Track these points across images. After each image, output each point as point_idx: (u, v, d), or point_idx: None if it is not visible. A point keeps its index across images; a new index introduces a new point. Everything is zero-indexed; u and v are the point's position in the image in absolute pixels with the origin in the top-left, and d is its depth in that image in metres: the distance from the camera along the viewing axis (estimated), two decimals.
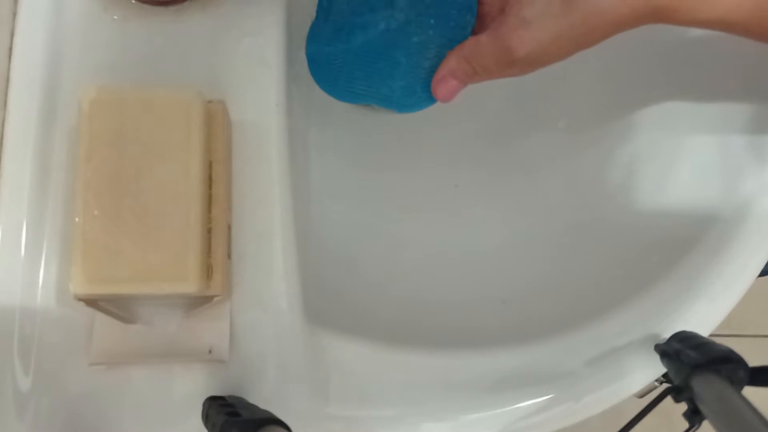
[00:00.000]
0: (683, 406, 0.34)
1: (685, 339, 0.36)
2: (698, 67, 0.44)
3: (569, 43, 0.31)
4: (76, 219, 0.29)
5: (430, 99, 0.36)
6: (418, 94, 0.36)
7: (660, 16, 0.30)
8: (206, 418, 0.32)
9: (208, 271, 0.32)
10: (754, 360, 0.33)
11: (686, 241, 0.40)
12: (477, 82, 0.34)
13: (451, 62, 0.34)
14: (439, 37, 0.35)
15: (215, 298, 0.32)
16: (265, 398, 0.34)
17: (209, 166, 0.33)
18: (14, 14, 0.37)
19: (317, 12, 0.37)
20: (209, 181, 0.33)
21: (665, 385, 0.37)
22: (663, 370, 0.38)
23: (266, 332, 0.35)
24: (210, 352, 0.34)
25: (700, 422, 0.33)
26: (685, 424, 0.34)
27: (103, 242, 0.29)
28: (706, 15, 0.30)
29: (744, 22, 0.30)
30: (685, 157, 0.43)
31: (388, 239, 0.47)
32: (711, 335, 0.37)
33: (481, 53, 0.33)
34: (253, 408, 0.32)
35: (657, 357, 0.37)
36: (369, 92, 0.36)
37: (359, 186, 0.49)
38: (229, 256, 0.34)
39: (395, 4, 0.36)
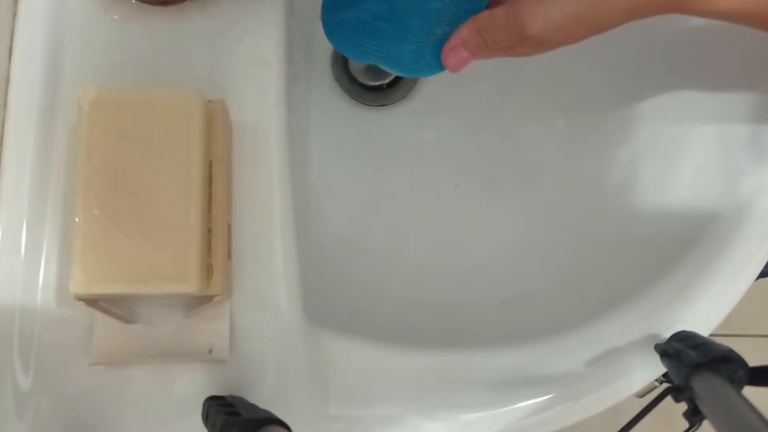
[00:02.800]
0: (683, 406, 0.34)
1: (685, 339, 0.36)
2: (699, 68, 0.44)
3: (583, 24, 0.30)
4: (76, 219, 0.29)
5: (438, 67, 0.35)
6: (427, 60, 0.35)
7: (678, 5, 0.29)
8: (206, 417, 0.32)
9: (208, 271, 0.32)
10: (754, 360, 0.33)
11: (686, 240, 0.40)
12: (488, 57, 0.34)
13: (464, 32, 0.34)
14: (456, 7, 0.35)
15: (215, 298, 0.32)
16: (265, 398, 0.34)
17: (209, 166, 0.33)
18: (14, 14, 0.37)
19: None
20: (209, 181, 0.33)
21: (665, 385, 0.37)
22: (663, 369, 0.38)
23: (266, 332, 0.35)
24: (210, 351, 0.34)
25: (700, 422, 0.33)
26: (685, 424, 0.34)
27: (103, 242, 0.29)
28: (726, 4, 0.29)
29: (766, 12, 0.29)
30: (685, 156, 0.43)
31: (388, 239, 0.47)
32: (711, 335, 0.37)
33: (494, 26, 0.32)
34: (253, 408, 0.32)
35: (657, 357, 0.37)
36: (378, 52, 0.36)
37: (359, 186, 0.49)
38: (229, 256, 0.34)
39: None
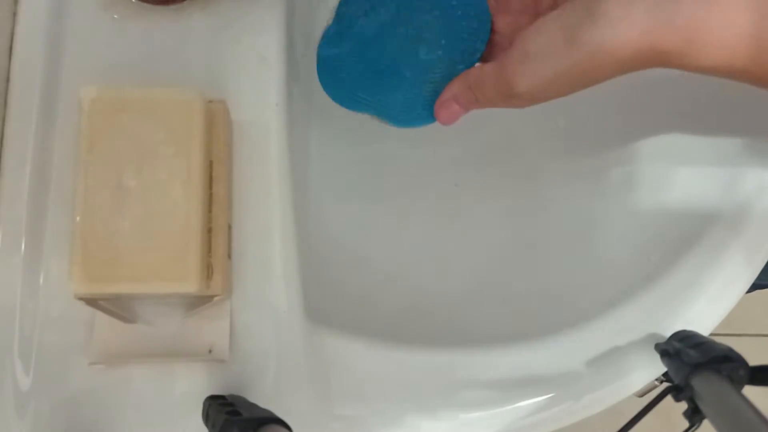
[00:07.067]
0: (683, 406, 0.34)
1: (685, 338, 0.36)
2: None
3: (569, 81, 0.30)
4: (77, 218, 0.29)
5: (430, 118, 0.36)
6: (418, 111, 0.36)
7: (664, 60, 0.29)
8: (206, 417, 0.32)
9: (208, 270, 0.32)
10: (754, 359, 0.33)
11: (686, 240, 0.40)
12: (480, 108, 0.35)
13: (455, 88, 0.34)
14: (447, 59, 0.36)
15: (215, 298, 0.32)
16: (265, 397, 0.34)
17: (210, 166, 0.33)
18: (14, 14, 0.37)
19: (334, 17, 0.37)
20: (210, 181, 0.33)
21: (665, 385, 0.37)
22: (663, 369, 0.38)
23: (266, 331, 0.35)
24: (210, 351, 0.34)
25: (700, 421, 0.33)
26: (685, 424, 0.34)
27: (104, 242, 0.29)
28: (713, 61, 0.29)
29: (753, 70, 0.29)
30: (685, 156, 0.43)
31: (388, 239, 0.47)
32: (711, 334, 0.37)
33: (484, 83, 0.33)
34: (254, 407, 0.32)
35: (657, 356, 0.37)
36: (370, 102, 0.36)
37: (359, 185, 0.49)
38: (229, 256, 0.34)
39: (410, 21, 0.36)
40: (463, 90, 0.34)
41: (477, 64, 0.35)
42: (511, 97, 0.32)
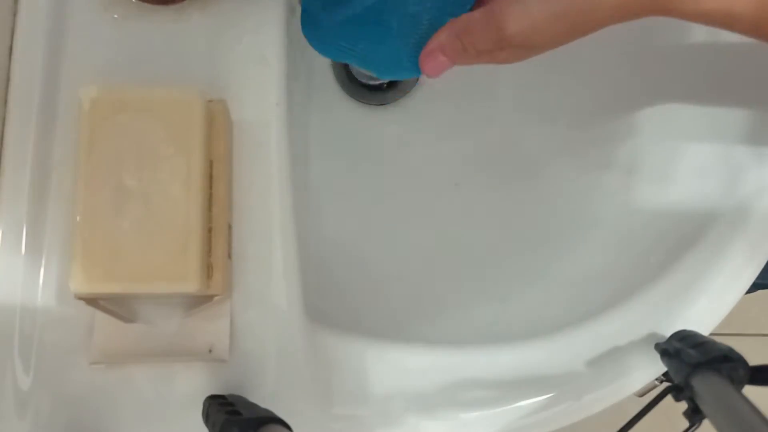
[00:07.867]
0: (683, 405, 0.34)
1: (685, 338, 0.36)
2: (699, 67, 0.44)
3: (565, 24, 0.29)
4: (77, 218, 0.29)
5: (415, 70, 0.34)
6: (403, 63, 0.34)
7: (662, 5, 0.28)
8: (207, 417, 0.32)
9: (208, 270, 0.32)
10: (754, 359, 0.33)
11: (686, 240, 0.40)
12: (468, 63, 0.33)
13: (442, 37, 0.32)
14: (436, 10, 0.34)
15: (215, 298, 0.32)
16: (265, 397, 0.34)
17: (210, 166, 0.33)
18: (14, 13, 0.37)
19: None
20: (210, 181, 0.33)
21: (665, 384, 0.37)
22: (663, 368, 0.38)
23: (266, 331, 0.35)
24: (210, 351, 0.34)
25: (700, 421, 0.33)
26: (685, 424, 0.34)
27: (104, 241, 0.29)
28: (711, 5, 0.28)
29: (752, 16, 0.28)
30: (685, 156, 0.43)
31: (388, 238, 0.47)
32: (711, 334, 0.37)
33: (472, 29, 0.31)
34: (254, 407, 0.32)
35: (657, 356, 0.37)
36: (354, 52, 0.35)
37: (359, 184, 0.49)
38: (229, 256, 0.34)
39: None
40: (450, 39, 0.32)
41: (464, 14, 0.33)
42: (500, 44, 0.30)
